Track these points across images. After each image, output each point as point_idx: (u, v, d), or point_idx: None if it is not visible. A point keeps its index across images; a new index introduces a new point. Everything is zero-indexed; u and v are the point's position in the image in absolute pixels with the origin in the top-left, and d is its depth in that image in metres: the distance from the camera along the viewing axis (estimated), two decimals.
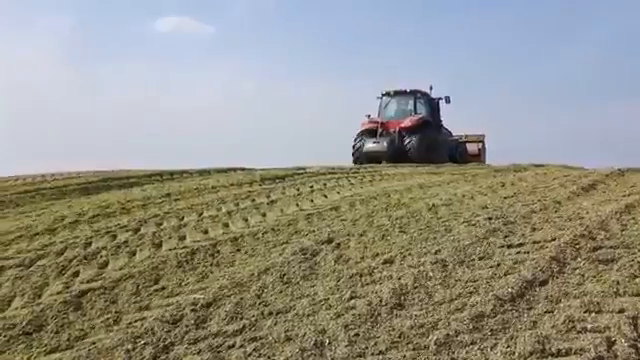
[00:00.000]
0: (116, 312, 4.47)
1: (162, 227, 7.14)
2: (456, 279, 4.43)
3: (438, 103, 21.30)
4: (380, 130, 20.19)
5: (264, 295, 4.50)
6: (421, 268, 4.67)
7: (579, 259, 4.64)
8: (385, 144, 19.63)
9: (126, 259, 5.86)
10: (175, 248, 6.13)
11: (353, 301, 4.18)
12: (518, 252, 4.95)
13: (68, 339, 4.07)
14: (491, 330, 3.59)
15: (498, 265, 4.64)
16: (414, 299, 4.13)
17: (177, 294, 4.78)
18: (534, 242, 5.16)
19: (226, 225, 7.13)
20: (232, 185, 10.49)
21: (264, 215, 7.61)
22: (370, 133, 20.18)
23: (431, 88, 21.28)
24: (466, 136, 22.29)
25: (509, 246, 5.11)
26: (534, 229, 5.61)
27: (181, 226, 7.13)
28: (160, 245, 6.32)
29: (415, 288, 4.30)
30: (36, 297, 4.93)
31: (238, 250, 5.91)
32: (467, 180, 9.91)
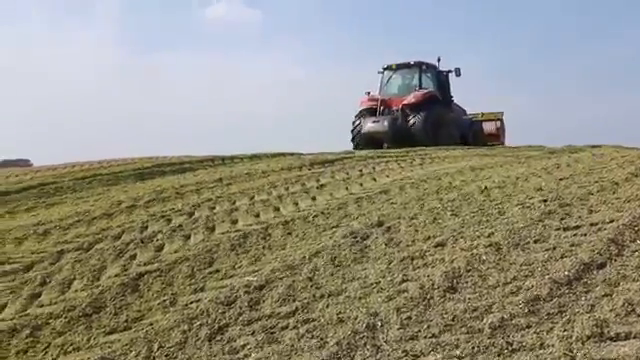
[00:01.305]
0: (172, 294, 4.57)
1: (215, 211, 7.26)
2: (510, 262, 4.35)
3: (447, 76, 18.75)
4: (381, 108, 17.94)
5: (315, 278, 4.52)
6: (474, 251, 4.61)
7: (638, 241, 4.49)
8: (386, 123, 17.40)
9: (181, 242, 5.98)
10: (228, 232, 6.22)
11: (405, 284, 4.16)
12: (575, 234, 4.83)
13: (126, 320, 4.19)
14: (547, 314, 3.51)
15: (554, 248, 4.53)
16: (467, 282, 4.08)
17: (231, 276, 4.85)
18: (591, 224, 5.02)
19: (277, 209, 7.19)
20: (282, 169, 10.56)
21: (314, 199, 7.64)
22: (370, 112, 18.01)
23: (439, 60, 18.76)
24: (482, 114, 20.20)
25: (565, 228, 4.99)
26: (591, 211, 5.45)
27: (233, 210, 7.22)
28: (213, 229, 6.42)
29: (468, 271, 4.25)
30: (95, 280, 5.08)
31: (289, 233, 5.96)
32: (520, 162, 9.70)
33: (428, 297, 3.89)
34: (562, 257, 4.31)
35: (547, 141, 18.81)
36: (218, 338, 3.69)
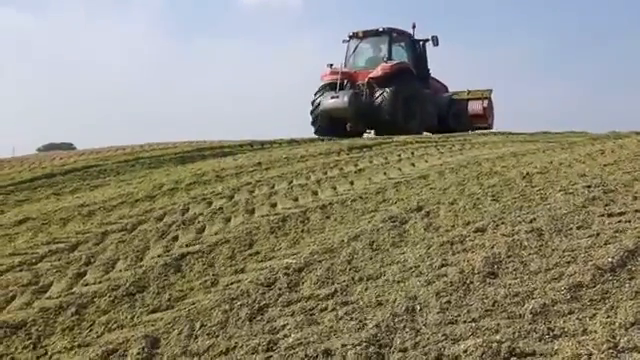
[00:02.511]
0: (213, 275, 4.64)
1: (254, 194, 7.32)
2: (553, 248, 4.29)
3: (424, 46, 16.56)
4: (345, 83, 15.66)
5: (354, 261, 4.54)
6: (515, 237, 4.56)
7: None
8: (346, 99, 15.08)
9: (221, 224, 6.06)
10: (267, 215, 6.28)
11: (444, 269, 4.15)
12: (619, 221, 4.73)
13: (169, 300, 4.27)
14: (590, 300, 3.47)
15: (597, 234, 4.46)
16: (508, 268, 4.05)
17: (270, 258, 4.91)
18: (636, 210, 4.92)
19: (315, 193, 7.21)
20: (320, 154, 10.57)
21: (352, 183, 7.64)
22: (333, 88, 15.65)
23: (414, 27, 16.44)
24: (469, 92, 17.88)
25: (609, 215, 4.89)
26: (636, 197, 5.33)
27: (272, 194, 7.28)
28: (253, 212, 6.48)
29: (509, 257, 4.21)
30: (138, 260, 5.18)
31: (327, 217, 5.98)
32: (564, 148, 9.52)
33: (468, 282, 3.87)
34: (606, 244, 4.23)
35: (589, 127, 18.11)
36: (258, 318, 3.74)
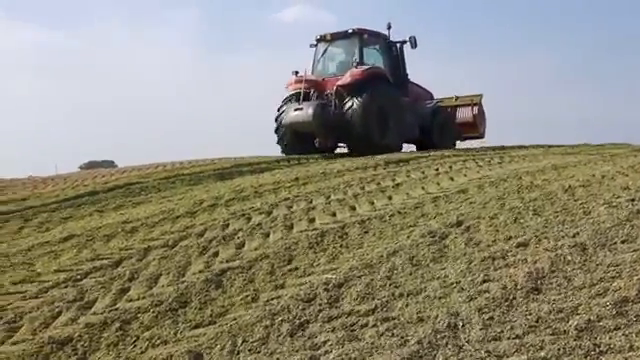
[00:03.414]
0: (254, 290, 4.68)
1: (292, 210, 7.37)
2: (597, 263, 4.21)
3: (401, 48, 14.89)
4: (312, 92, 14.01)
5: (394, 276, 4.52)
6: (558, 252, 4.49)
7: None
8: (310, 111, 13.33)
9: (261, 240, 6.11)
10: (305, 230, 6.31)
11: (486, 284, 4.10)
12: None
13: (211, 315, 4.32)
14: (636, 315, 3.39)
15: None
16: (552, 283, 3.98)
17: (309, 274, 4.92)
18: None
19: (353, 208, 7.22)
20: (357, 169, 10.59)
21: (390, 198, 7.63)
22: (299, 98, 13.89)
23: (389, 27, 14.76)
24: (456, 98, 16.33)
25: None
26: None
27: (310, 209, 7.31)
28: (291, 227, 6.52)
29: (552, 272, 4.14)
30: (180, 275, 5.26)
31: (366, 232, 5.98)
32: (605, 160, 9.34)
33: (511, 298, 3.82)
34: None
35: (628, 139, 16.92)
36: (299, 334, 3.76)
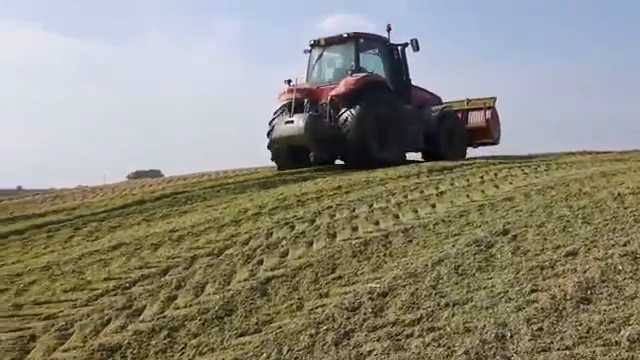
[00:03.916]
0: (298, 298, 4.70)
1: (335, 218, 7.38)
2: None
3: (403, 52, 13.86)
4: (306, 102, 12.98)
5: (439, 286, 4.48)
6: (609, 261, 4.38)
7: None
8: (301, 123, 12.38)
9: (304, 248, 6.14)
10: (349, 239, 6.31)
11: (534, 294, 4.03)
12: None
13: (256, 323, 4.35)
14: None
15: None
16: (602, 293, 3.89)
17: (354, 283, 4.92)
18: None
19: (396, 216, 7.19)
20: (400, 177, 10.53)
21: (434, 206, 7.57)
22: (294, 108, 12.89)
23: (389, 29, 13.65)
24: (468, 101, 15.06)
25: None
26: None
27: (353, 217, 7.31)
28: (335, 235, 6.53)
29: (603, 282, 4.05)
30: (226, 284, 5.31)
31: (410, 241, 5.94)
32: None
33: (560, 308, 3.75)
34: None
35: None
36: (344, 343, 3.76)
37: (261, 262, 5.81)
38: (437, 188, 8.90)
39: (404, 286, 4.54)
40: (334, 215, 7.59)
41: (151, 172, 30.05)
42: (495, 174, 9.91)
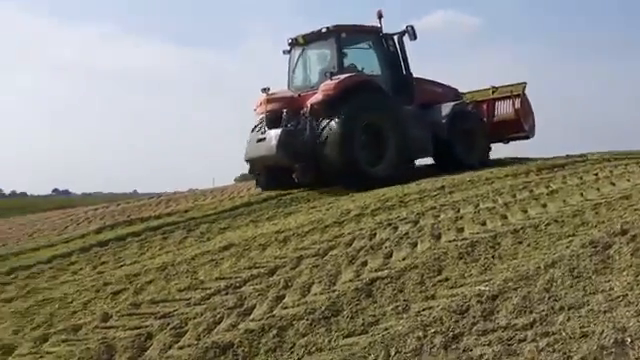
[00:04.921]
0: (404, 300, 4.67)
1: (439, 219, 7.26)
2: None
3: (401, 42, 11.76)
4: (285, 113, 10.99)
5: (553, 289, 4.31)
6: None
7: None
8: (274, 142, 10.64)
9: (408, 250, 6.09)
10: (454, 240, 6.19)
11: None
12: None
13: (363, 324, 4.36)
14: None
15: None
16: None
17: (461, 285, 4.82)
18: None
19: (504, 217, 6.97)
20: (507, 176, 10.20)
21: (544, 206, 7.28)
22: (272, 122, 11.05)
23: (380, 16, 11.52)
24: (494, 90, 12.84)
25: None
26: None
27: (458, 218, 7.17)
28: (439, 237, 6.43)
29: None
30: (331, 284, 5.36)
31: (519, 242, 5.75)
32: None
33: None
34: None
35: None
36: (453, 347, 3.69)
37: (365, 263, 5.82)
38: (548, 187, 8.55)
39: (515, 289, 4.40)
40: (438, 216, 7.48)
41: None
42: (610, 171, 9.40)
